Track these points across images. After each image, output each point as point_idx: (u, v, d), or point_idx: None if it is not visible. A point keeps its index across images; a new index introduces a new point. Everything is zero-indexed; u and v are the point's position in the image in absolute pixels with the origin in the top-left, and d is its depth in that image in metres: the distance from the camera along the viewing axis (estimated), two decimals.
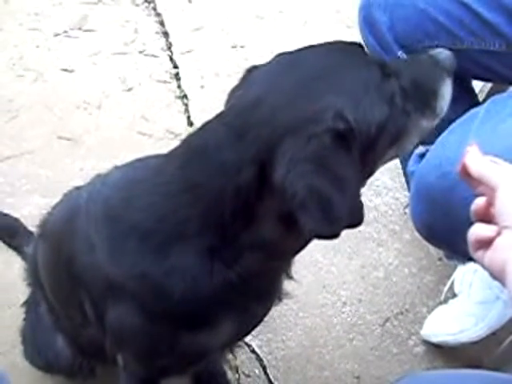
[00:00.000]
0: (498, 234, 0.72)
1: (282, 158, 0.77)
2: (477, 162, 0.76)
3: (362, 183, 0.91)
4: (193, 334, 0.94)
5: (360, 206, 0.88)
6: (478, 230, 0.75)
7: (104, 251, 0.93)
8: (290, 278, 1.02)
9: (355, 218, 0.87)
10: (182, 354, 0.98)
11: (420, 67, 0.93)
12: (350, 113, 0.79)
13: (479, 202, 0.77)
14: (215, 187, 0.82)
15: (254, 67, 0.93)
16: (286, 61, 0.88)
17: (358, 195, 0.87)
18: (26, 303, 1.37)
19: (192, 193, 0.85)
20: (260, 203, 0.81)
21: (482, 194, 0.77)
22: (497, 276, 0.72)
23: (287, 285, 1.06)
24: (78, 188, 1.14)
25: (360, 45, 0.93)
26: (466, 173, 0.78)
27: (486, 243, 0.73)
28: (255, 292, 0.95)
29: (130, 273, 0.90)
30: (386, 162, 0.93)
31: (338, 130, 0.78)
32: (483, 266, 0.75)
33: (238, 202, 0.81)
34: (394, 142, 0.88)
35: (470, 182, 0.79)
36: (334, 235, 0.81)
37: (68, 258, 1.00)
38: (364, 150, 0.82)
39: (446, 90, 0.94)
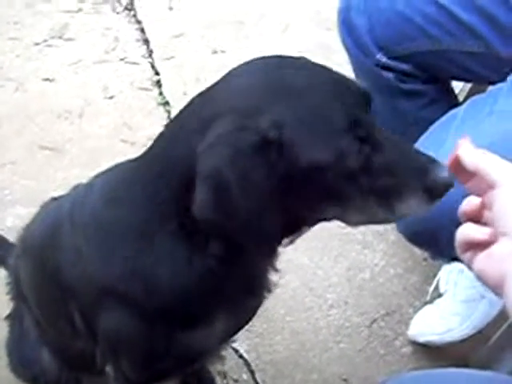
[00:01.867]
0: (492, 237, 0.69)
1: (214, 131, 0.78)
2: (472, 153, 0.74)
3: (289, 218, 0.84)
4: (188, 331, 0.95)
5: (268, 226, 0.81)
6: (468, 232, 0.72)
7: (94, 257, 0.93)
8: (276, 270, 1.02)
9: (256, 232, 0.81)
10: (179, 354, 0.98)
11: (406, 162, 0.83)
12: (289, 131, 0.77)
13: (472, 203, 0.74)
14: (170, 172, 0.84)
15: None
16: (284, 62, 0.87)
17: (269, 215, 0.80)
18: (10, 316, 1.35)
19: (155, 183, 0.87)
20: None
21: (468, 194, 0.75)
22: (490, 284, 0.69)
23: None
24: (55, 199, 1.14)
25: (367, 95, 0.86)
26: (456, 166, 0.75)
27: (475, 245, 0.71)
28: (242, 284, 0.96)
29: (120, 272, 0.91)
30: (324, 217, 0.87)
31: (268, 136, 0.77)
32: (471, 268, 0.72)
33: (189, 184, 0.81)
34: (331, 201, 0.83)
35: (459, 177, 0.77)
36: (222, 229, 0.81)
37: (54, 271, 1.00)
38: (290, 178, 0.79)
39: (414, 205, 0.83)
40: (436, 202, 0.83)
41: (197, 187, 0.78)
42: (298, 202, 0.83)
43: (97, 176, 1.01)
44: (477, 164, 0.73)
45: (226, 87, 0.84)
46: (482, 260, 0.70)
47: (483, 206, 0.73)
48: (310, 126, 0.79)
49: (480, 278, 0.70)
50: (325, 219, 0.88)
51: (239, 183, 0.76)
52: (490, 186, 0.71)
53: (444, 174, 0.80)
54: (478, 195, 0.74)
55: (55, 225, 1.03)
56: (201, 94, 0.88)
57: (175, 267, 0.88)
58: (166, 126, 0.94)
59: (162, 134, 0.91)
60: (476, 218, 0.73)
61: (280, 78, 0.82)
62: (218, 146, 0.77)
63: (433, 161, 0.83)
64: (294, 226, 0.89)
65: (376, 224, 0.90)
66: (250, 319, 1.12)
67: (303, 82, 0.82)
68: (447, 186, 0.81)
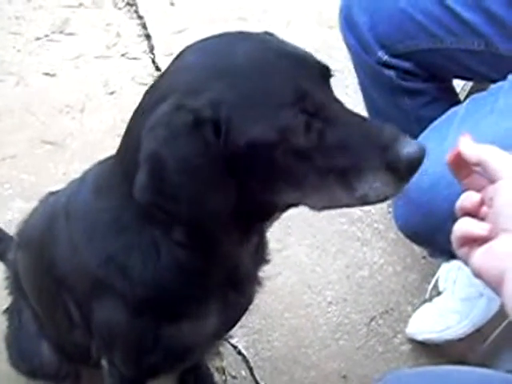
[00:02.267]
0: (491, 233, 0.68)
1: (155, 114, 0.77)
2: (474, 146, 0.72)
3: (247, 203, 0.81)
4: (174, 323, 0.95)
5: (215, 209, 0.78)
6: (467, 226, 0.70)
7: (82, 248, 0.94)
8: (267, 261, 1.01)
9: (203, 215, 0.79)
10: (167, 348, 0.97)
11: (365, 136, 0.77)
12: (226, 109, 0.75)
13: (472, 199, 0.72)
14: (127, 162, 0.84)
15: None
16: (239, 37, 0.84)
17: (215, 197, 0.78)
18: (8, 310, 1.36)
19: (121, 173, 0.87)
20: None
21: (465, 189, 0.74)
22: (488, 281, 0.68)
23: (269, 282, 1.06)
24: (52, 193, 1.14)
25: (326, 70, 0.83)
26: (456, 162, 0.74)
27: (472, 240, 0.70)
28: (221, 275, 0.94)
29: (100, 262, 0.91)
30: (288, 201, 0.83)
31: (202, 115, 0.74)
32: (467, 263, 0.72)
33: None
34: (288, 184, 0.79)
35: (458, 173, 0.75)
36: (166, 212, 0.79)
37: (50, 263, 1.01)
38: (234, 158, 0.76)
39: (377, 182, 0.77)
40: (405, 181, 0.78)
41: (138, 172, 0.77)
42: (252, 184, 0.79)
43: (90, 169, 1.02)
44: (479, 155, 0.71)
45: (174, 68, 0.84)
46: (480, 256, 0.68)
47: (482, 202, 0.72)
48: (251, 102, 0.76)
49: (477, 274, 0.69)
50: (291, 204, 0.84)
51: (174, 164, 0.75)
52: (491, 181, 0.69)
53: (409, 148, 0.75)
54: (477, 191, 0.73)
55: (51, 218, 1.03)
56: (161, 74, 0.88)
57: (145, 257, 0.88)
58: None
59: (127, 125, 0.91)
60: (474, 214, 0.72)
61: (226, 55, 0.80)
62: (155, 128, 0.76)
63: (398, 136, 0.76)
64: (260, 212, 0.86)
65: (342, 207, 0.84)
66: (241, 316, 1.12)
67: (250, 58, 0.79)
68: (412, 161, 0.75)
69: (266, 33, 0.88)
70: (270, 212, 0.88)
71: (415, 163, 0.76)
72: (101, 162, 1.01)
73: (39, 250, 1.06)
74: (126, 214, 0.88)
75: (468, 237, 0.70)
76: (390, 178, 0.76)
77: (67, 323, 1.06)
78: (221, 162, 0.76)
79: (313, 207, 0.83)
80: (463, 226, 0.71)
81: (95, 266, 0.92)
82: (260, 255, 1.04)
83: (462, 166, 0.74)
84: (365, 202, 0.80)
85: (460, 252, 0.72)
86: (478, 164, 0.72)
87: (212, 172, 0.76)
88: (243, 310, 1.10)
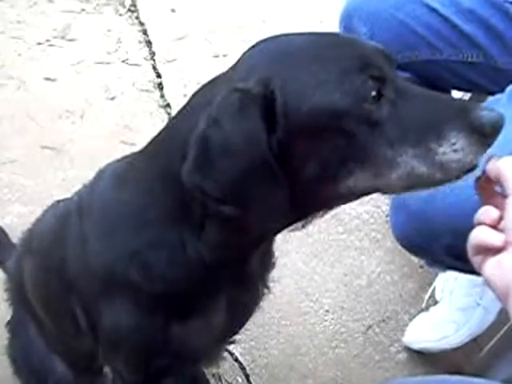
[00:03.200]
0: (506, 245, 0.68)
1: (215, 101, 0.74)
2: (497, 163, 0.71)
3: (308, 190, 0.76)
4: (184, 322, 0.94)
5: (268, 201, 0.73)
6: (484, 236, 0.70)
7: (97, 243, 0.93)
8: (273, 265, 1.00)
9: (250, 204, 0.74)
10: (176, 348, 0.97)
11: (439, 104, 0.74)
12: (279, 81, 0.72)
13: (492, 215, 0.71)
14: (171, 140, 0.84)
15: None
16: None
17: (266, 187, 0.73)
18: (10, 323, 1.33)
19: (155, 155, 0.87)
20: None
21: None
22: (496, 292, 0.68)
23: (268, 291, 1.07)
24: (59, 201, 1.14)
25: (389, 55, 0.79)
26: (484, 185, 0.73)
27: (487, 250, 0.69)
28: (236, 276, 0.94)
29: (119, 254, 0.90)
30: (358, 188, 0.76)
31: (251, 93, 0.72)
32: (479, 272, 0.72)
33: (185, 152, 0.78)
34: (358, 162, 0.72)
35: (482, 195, 0.74)
36: (208, 196, 0.75)
37: (59, 266, 1.00)
38: (291, 137, 0.72)
39: (462, 142, 0.71)
40: (489, 142, 0.72)
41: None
42: (312, 167, 0.73)
43: (109, 164, 1.01)
44: (498, 168, 0.70)
45: (236, 64, 0.82)
46: (491, 267, 0.69)
47: (501, 219, 0.71)
48: (311, 70, 0.71)
49: (488, 284, 0.70)
50: (353, 196, 0.78)
51: (219, 145, 0.72)
52: (505, 196, 0.69)
53: (489, 111, 0.71)
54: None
55: (63, 218, 1.03)
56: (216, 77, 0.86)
57: (170, 254, 0.87)
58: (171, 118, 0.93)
59: (166, 126, 0.91)
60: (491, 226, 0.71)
61: (282, 44, 0.79)
62: (210, 112, 0.74)
63: (474, 103, 0.73)
64: (308, 206, 0.81)
65: (426, 187, 0.75)
66: (248, 318, 1.11)
67: (312, 38, 0.77)
68: (495, 122, 0.71)
69: None
70: (324, 205, 0.81)
71: (498, 124, 0.72)
72: (121, 159, 1.00)
73: (49, 252, 1.06)
74: (154, 211, 0.86)
75: (483, 246, 0.70)
76: (474, 139, 0.71)
77: (73, 331, 1.05)
78: (273, 147, 0.71)
79: (391, 190, 0.77)
80: (480, 235, 0.70)
81: (112, 260, 0.91)
82: (269, 258, 1.05)
83: (487, 189, 0.74)
84: (447, 168, 0.72)
85: (474, 260, 0.72)
86: (497, 180, 0.71)
87: (259, 158, 0.71)
88: (250, 311, 1.10)
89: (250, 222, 0.78)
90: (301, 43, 0.77)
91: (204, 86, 0.85)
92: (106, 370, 1.06)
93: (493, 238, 0.69)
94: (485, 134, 0.71)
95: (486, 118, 0.71)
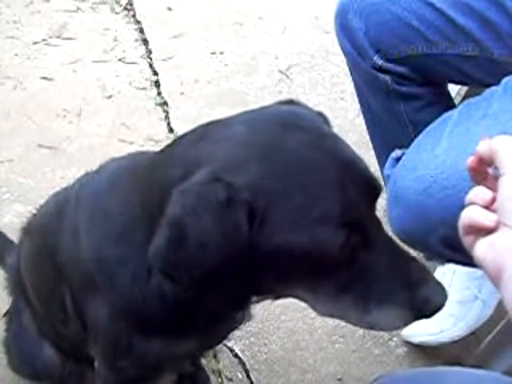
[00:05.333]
0: (497, 225, 0.67)
1: (193, 178, 0.73)
2: (491, 143, 0.70)
3: (261, 288, 0.80)
4: (146, 338, 0.94)
5: (231, 295, 0.77)
6: (475, 215, 0.69)
7: (83, 235, 0.94)
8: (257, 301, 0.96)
9: (216, 297, 0.77)
10: (140, 357, 0.97)
11: (397, 272, 0.76)
12: (265, 200, 0.71)
13: (485, 197, 0.70)
14: (156, 176, 0.82)
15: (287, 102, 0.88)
16: (295, 123, 0.79)
17: (233, 285, 0.75)
18: (8, 314, 1.35)
19: (144, 181, 0.86)
20: None
21: None
22: (488, 273, 0.67)
23: None
24: (65, 189, 1.15)
25: (376, 188, 0.80)
26: (475, 165, 0.72)
27: (479, 230, 0.68)
28: (208, 319, 0.93)
29: (92, 256, 0.91)
30: (295, 297, 0.81)
31: (238, 195, 0.71)
32: (470, 251, 0.71)
33: (162, 198, 0.77)
34: (304, 287, 0.77)
35: (475, 176, 0.74)
36: (173, 280, 0.76)
37: (52, 251, 1.00)
38: (256, 247, 0.72)
39: (394, 317, 0.77)
40: (418, 320, 0.77)
41: (158, 229, 0.73)
42: (267, 273, 0.76)
43: (112, 160, 1.01)
44: (492, 148, 0.70)
45: (222, 134, 0.79)
46: (483, 248, 0.68)
47: (494, 200, 0.70)
48: (292, 203, 0.71)
49: (479, 264, 0.69)
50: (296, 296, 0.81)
51: (196, 237, 0.71)
52: (498, 174, 0.68)
53: (437, 295, 0.75)
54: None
55: (62, 204, 1.03)
56: (207, 128, 0.83)
57: (135, 276, 0.87)
58: (173, 141, 0.91)
59: (167, 148, 0.89)
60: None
61: (275, 138, 0.75)
62: (186, 194, 0.72)
63: (429, 277, 0.76)
64: (263, 291, 0.84)
65: (345, 322, 0.81)
66: (221, 341, 1.10)
67: (302, 150, 0.75)
68: (437, 308, 0.75)
69: (320, 114, 0.85)
70: (274, 293, 0.86)
71: (438, 309, 0.75)
72: (125, 157, 1.00)
73: (45, 236, 1.06)
74: (135, 231, 0.87)
75: (474, 226, 0.69)
76: (407, 315, 0.76)
77: (61, 316, 1.06)
78: (245, 247, 0.72)
79: (317, 311, 0.81)
80: (471, 214, 0.69)
81: (89, 257, 0.92)
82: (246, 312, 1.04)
83: (480, 171, 0.73)
84: (371, 328, 0.79)
85: (465, 240, 0.71)
86: (490, 161, 0.70)
87: (233, 255, 0.71)
88: (224, 335, 1.08)
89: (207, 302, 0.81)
90: (293, 151, 0.74)
91: (190, 137, 0.83)
92: (96, 363, 1.07)
93: (485, 218, 0.68)
94: (423, 313, 0.76)
95: (431, 301, 0.75)
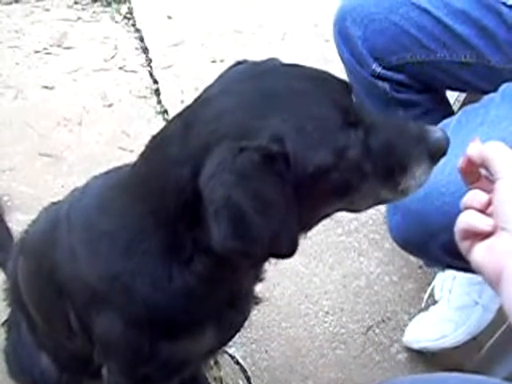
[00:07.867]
0: (495, 229, 0.67)
1: (211, 162, 0.76)
2: (480, 146, 0.72)
3: (302, 222, 0.83)
4: (171, 341, 0.95)
5: (291, 238, 0.79)
6: (472, 220, 0.69)
7: (84, 258, 0.94)
8: (260, 280, 1.02)
9: (281, 247, 0.79)
10: (163, 361, 0.98)
11: (401, 135, 0.85)
12: (290, 141, 0.76)
13: (481, 200, 0.71)
14: (162, 182, 0.83)
15: (239, 63, 0.93)
16: (258, 70, 0.86)
17: (290, 228, 0.79)
18: (7, 322, 1.36)
19: (145, 190, 0.86)
20: (198, 203, 0.78)
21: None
22: (487, 277, 0.68)
23: (267, 292, 1.07)
24: (55, 203, 1.15)
25: (346, 84, 0.87)
26: (466, 167, 0.74)
27: (475, 235, 0.69)
28: (224, 299, 0.96)
29: (103, 276, 0.92)
30: (333, 210, 0.87)
31: (271, 150, 0.75)
32: (467, 257, 0.71)
33: (180, 198, 0.80)
34: (340, 194, 0.83)
35: (467, 178, 0.75)
36: (248, 255, 0.79)
37: (50, 270, 1.01)
38: (299, 185, 0.78)
39: (420, 172, 0.84)
40: (436, 164, 0.84)
41: (210, 222, 0.75)
42: (311, 204, 0.82)
43: (96, 177, 1.02)
44: (482, 152, 0.71)
45: (207, 114, 0.81)
46: (480, 252, 0.68)
47: (490, 203, 0.70)
48: (308, 131, 0.78)
49: (477, 269, 0.69)
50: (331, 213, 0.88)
51: (252, 205, 0.74)
52: (493, 179, 0.69)
53: (438, 133, 0.83)
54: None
55: (54, 223, 1.03)
56: (182, 116, 0.86)
57: (155, 282, 0.88)
58: (161, 130, 0.93)
59: (151, 150, 0.90)
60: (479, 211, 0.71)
61: (260, 90, 0.81)
62: (220, 175, 0.74)
63: (423, 127, 0.85)
64: (304, 227, 0.88)
65: (381, 204, 0.91)
66: (236, 332, 1.12)
67: (286, 88, 0.81)
68: (447, 143, 0.83)
69: (345, 82, 0.89)
70: (312, 224, 0.89)
71: (448, 144, 0.83)
72: (108, 172, 1.01)
73: (40, 255, 1.07)
74: (142, 243, 0.87)
75: (471, 231, 0.69)
76: (428, 164, 0.84)
77: (66, 331, 1.06)
78: (291, 191, 0.77)
79: (355, 210, 0.89)
80: (468, 219, 0.70)
81: (95, 279, 0.92)
82: (258, 274, 1.06)
83: (471, 172, 0.74)
84: (405, 194, 0.86)
85: (462, 245, 0.72)
86: (482, 164, 0.71)
87: (288, 203, 0.77)
88: (239, 326, 1.11)
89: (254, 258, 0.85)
90: (284, 93, 0.81)
91: (182, 122, 0.85)
92: (104, 371, 1.07)
93: (482, 223, 0.69)
94: (440, 154, 0.84)
95: (441, 139, 0.83)
